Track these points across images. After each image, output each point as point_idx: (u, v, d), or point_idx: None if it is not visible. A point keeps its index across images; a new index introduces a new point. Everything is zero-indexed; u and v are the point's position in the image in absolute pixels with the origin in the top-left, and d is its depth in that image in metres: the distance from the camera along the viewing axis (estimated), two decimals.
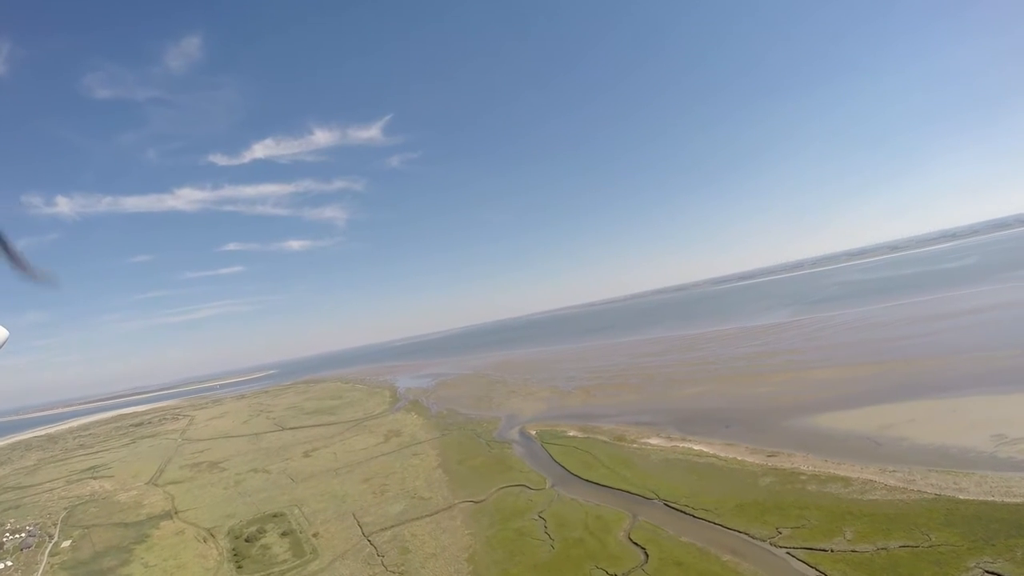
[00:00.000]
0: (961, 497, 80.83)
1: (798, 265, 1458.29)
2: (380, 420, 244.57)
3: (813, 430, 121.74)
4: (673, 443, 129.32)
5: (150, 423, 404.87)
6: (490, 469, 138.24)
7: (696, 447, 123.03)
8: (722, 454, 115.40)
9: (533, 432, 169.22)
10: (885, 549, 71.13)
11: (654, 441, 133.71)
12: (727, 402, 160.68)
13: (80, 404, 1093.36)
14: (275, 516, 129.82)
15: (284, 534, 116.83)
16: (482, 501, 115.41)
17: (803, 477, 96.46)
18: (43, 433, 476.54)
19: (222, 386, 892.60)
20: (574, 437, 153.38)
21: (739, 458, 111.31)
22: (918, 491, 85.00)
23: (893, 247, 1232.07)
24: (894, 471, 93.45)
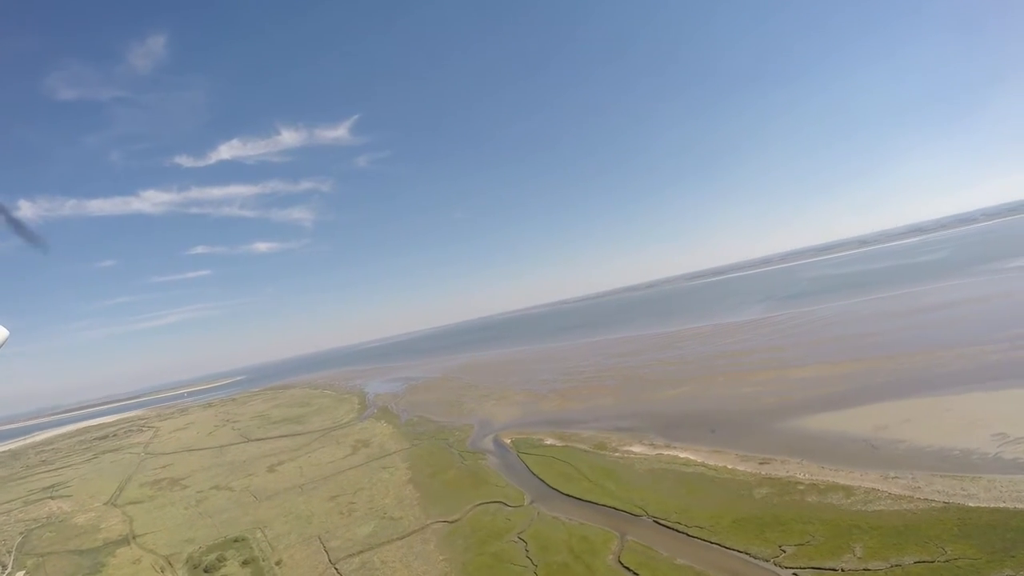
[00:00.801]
0: (971, 504, 76.13)
1: (767, 261, 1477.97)
2: (348, 429, 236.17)
3: (804, 433, 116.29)
4: (657, 451, 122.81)
5: (115, 436, 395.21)
6: (464, 483, 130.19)
7: (682, 455, 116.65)
8: (711, 462, 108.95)
9: (508, 441, 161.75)
10: (899, 566, 65.68)
11: (637, 449, 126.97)
12: (710, 404, 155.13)
13: (46, 416, 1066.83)
14: (236, 541, 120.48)
15: (245, 563, 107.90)
16: (456, 521, 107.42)
17: (801, 487, 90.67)
18: (5, 449, 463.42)
19: (190, 394, 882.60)
20: (552, 446, 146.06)
21: (730, 467, 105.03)
22: (925, 499, 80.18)
23: (861, 242, 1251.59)
24: (896, 477, 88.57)
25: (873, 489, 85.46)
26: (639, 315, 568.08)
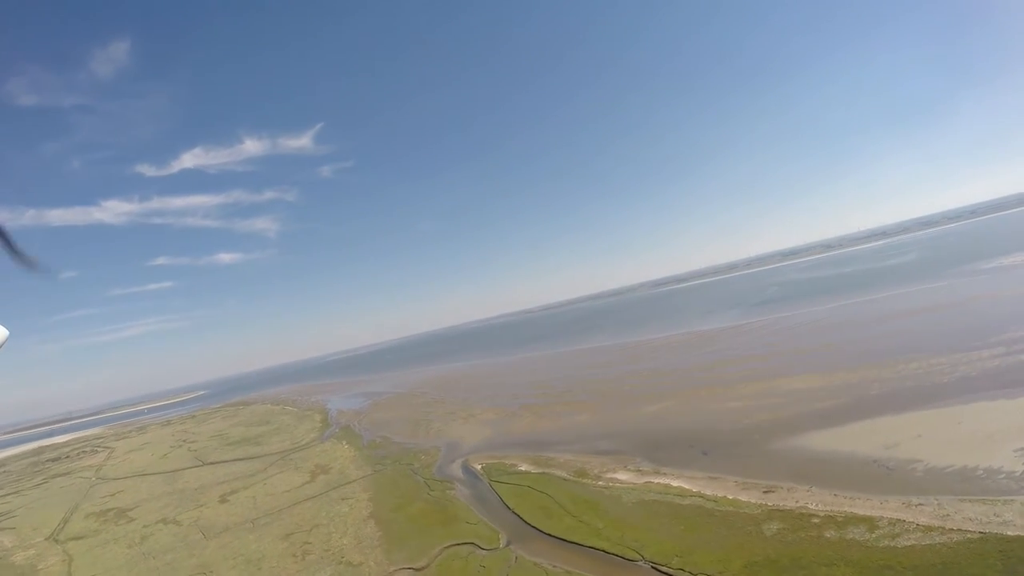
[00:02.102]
0: (1010, 533, 67.78)
1: (732, 266, 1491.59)
2: (308, 452, 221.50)
3: (807, 454, 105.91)
4: (646, 478, 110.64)
5: (68, 457, 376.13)
6: (431, 519, 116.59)
7: (675, 483, 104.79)
8: (708, 492, 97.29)
9: (478, 466, 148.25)
10: None
11: (622, 476, 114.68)
12: (696, 421, 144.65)
13: (1, 435, 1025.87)
14: None
15: None
16: (423, 569, 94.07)
17: (816, 520, 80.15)
18: None
19: (150, 410, 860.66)
20: (526, 473, 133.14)
21: (730, 496, 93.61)
22: (958, 529, 71.07)
23: (826, 246, 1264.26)
24: (921, 505, 79.38)
25: (898, 520, 76.16)
26: (607, 324, 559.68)
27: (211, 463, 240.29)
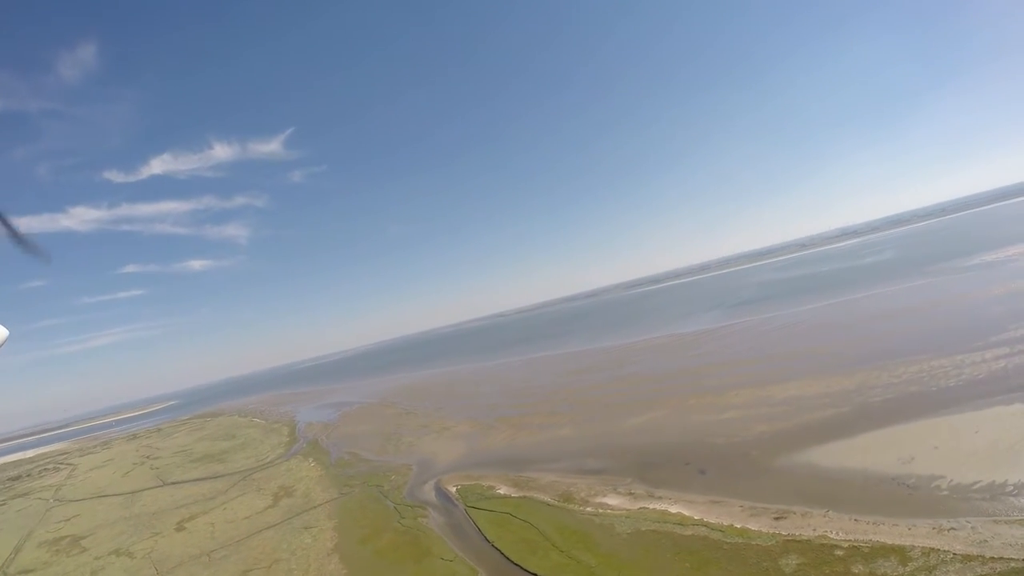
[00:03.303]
0: None
1: (705, 267, 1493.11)
2: (272, 471, 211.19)
3: (816, 472, 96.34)
4: (639, 503, 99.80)
5: (29, 475, 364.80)
6: (401, 554, 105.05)
7: (673, 509, 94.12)
8: (713, 519, 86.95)
9: (453, 489, 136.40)
10: None
11: (613, 501, 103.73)
12: (688, 435, 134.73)
13: None
14: None
15: None
16: None
17: (839, 552, 71.02)
18: None
19: (118, 422, 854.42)
20: (506, 497, 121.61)
21: (738, 525, 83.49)
22: (1000, 558, 63.10)
23: (800, 245, 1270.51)
24: (953, 529, 71.05)
25: (932, 549, 67.53)
26: (583, 327, 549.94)
27: (172, 483, 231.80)
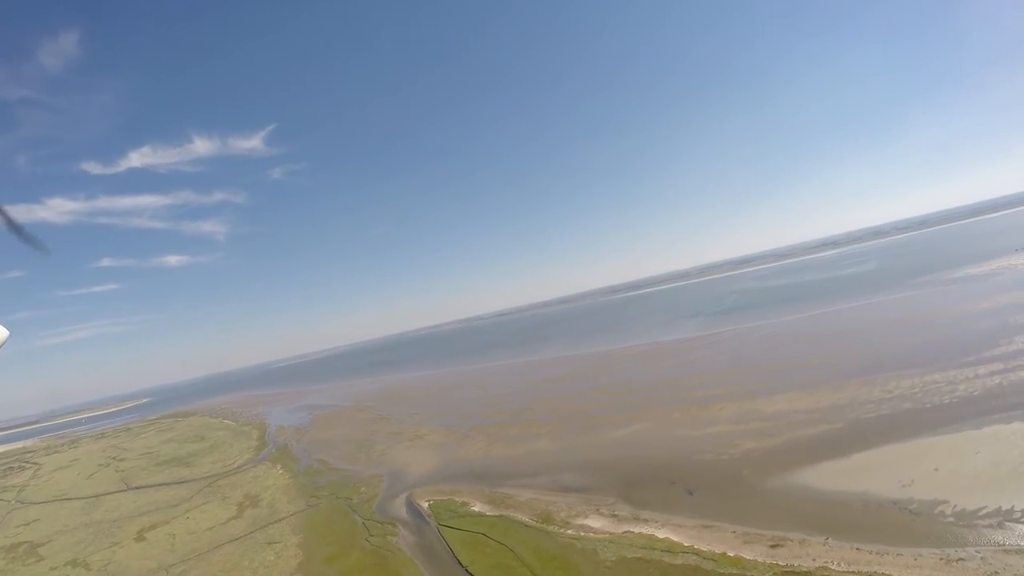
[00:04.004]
0: None
1: (685, 274, 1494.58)
2: (239, 477, 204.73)
3: (812, 495, 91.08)
4: (624, 526, 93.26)
5: None
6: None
7: (660, 533, 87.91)
8: (704, 547, 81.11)
9: (425, 504, 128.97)
10: None
11: (595, 523, 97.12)
12: (674, 451, 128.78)
13: None
14: None
15: None
16: None
17: None
18: None
19: (89, 419, 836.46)
20: (481, 516, 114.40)
21: (731, 553, 77.74)
22: None
23: (779, 255, 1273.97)
24: (962, 560, 66.50)
25: None
26: (562, 333, 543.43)
27: (136, 487, 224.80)
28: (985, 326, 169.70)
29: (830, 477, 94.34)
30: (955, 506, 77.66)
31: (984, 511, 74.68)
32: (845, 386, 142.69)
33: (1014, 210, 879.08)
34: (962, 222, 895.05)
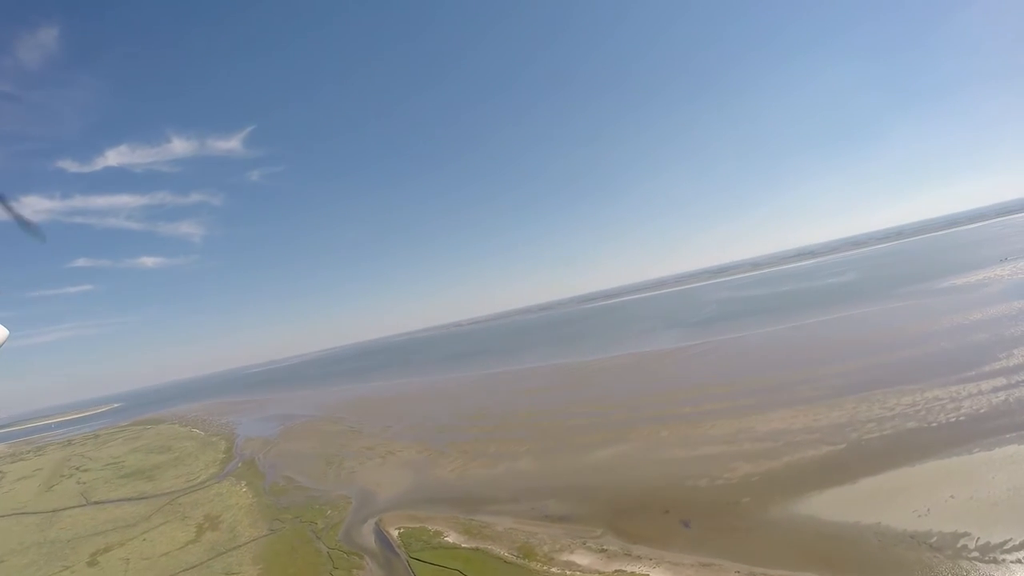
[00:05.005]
0: None
1: (661, 283, 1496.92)
2: (202, 494, 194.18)
3: (821, 527, 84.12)
4: (615, 564, 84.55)
5: None
6: None
7: (655, 573, 79.26)
8: None
9: (395, 532, 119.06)
10: None
11: (583, 560, 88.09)
12: (665, 475, 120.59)
13: None
14: None
15: None
16: None
17: None
18: None
19: (59, 424, 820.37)
20: (455, 548, 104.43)
21: None
22: None
23: (754, 264, 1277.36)
24: None
25: None
26: (540, 341, 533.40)
27: (95, 502, 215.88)
28: (981, 338, 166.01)
29: (838, 506, 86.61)
30: (978, 539, 70.97)
31: (1010, 544, 68.36)
32: (842, 403, 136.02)
33: (989, 222, 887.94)
34: (937, 233, 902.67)
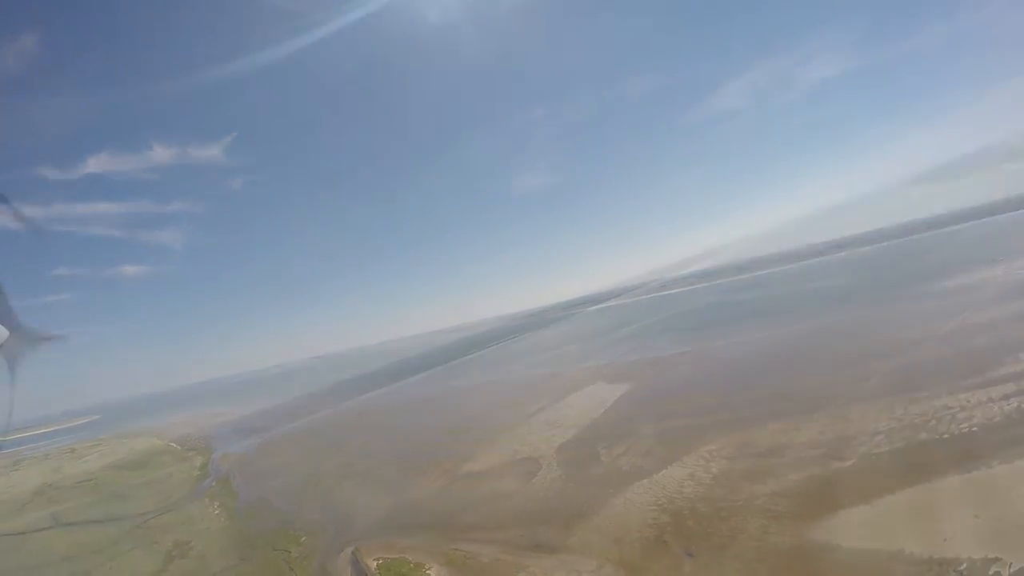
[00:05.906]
0: None
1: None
2: (173, 516, 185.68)
3: (840, 555, 79.59)
4: None
5: None
6: None
7: None
8: None
9: (372, 564, 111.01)
10: None
11: None
12: (660, 497, 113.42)
13: None
14: None
15: None
16: None
17: None
18: None
19: (38, 436, 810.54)
20: None
21: None
22: None
23: (739, 267, 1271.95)
24: None
25: None
26: (511, 352, 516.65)
27: (65, 524, 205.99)
28: (983, 342, 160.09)
29: (855, 531, 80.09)
30: (1011, 565, 65.34)
31: None
32: (845, 413, 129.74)
33: (971, 223, 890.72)
34: (922, 235, 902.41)
